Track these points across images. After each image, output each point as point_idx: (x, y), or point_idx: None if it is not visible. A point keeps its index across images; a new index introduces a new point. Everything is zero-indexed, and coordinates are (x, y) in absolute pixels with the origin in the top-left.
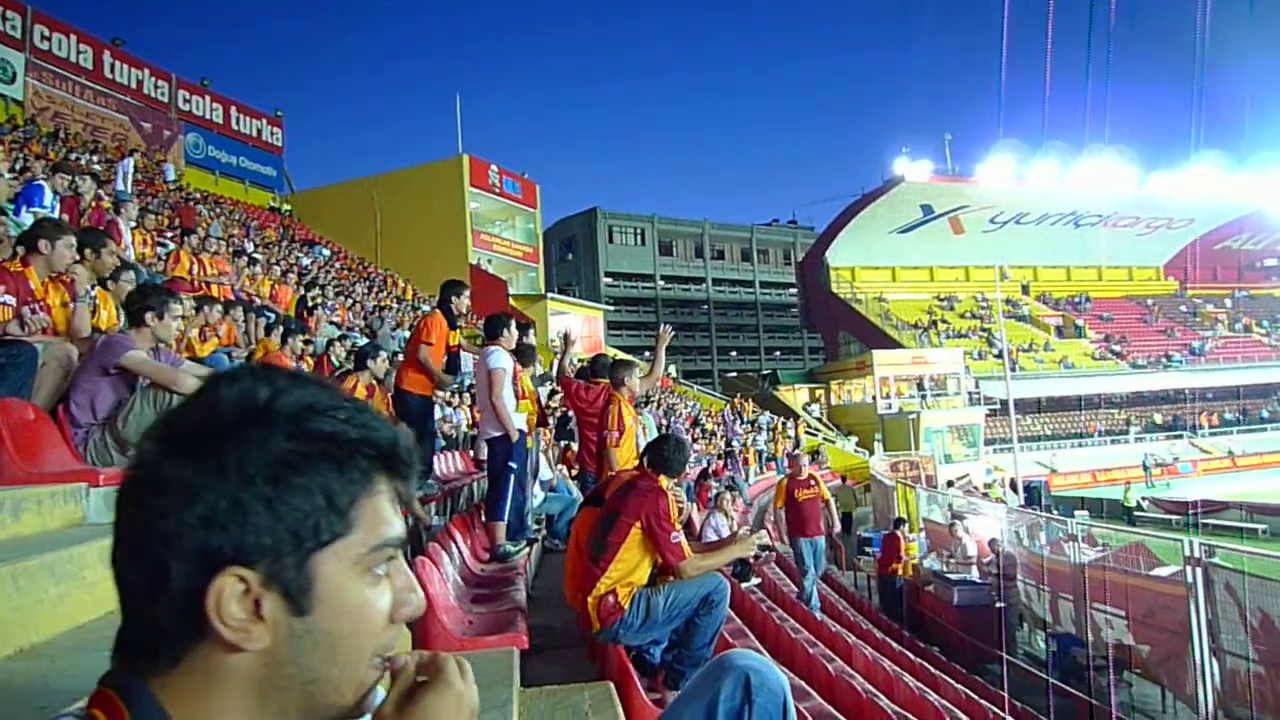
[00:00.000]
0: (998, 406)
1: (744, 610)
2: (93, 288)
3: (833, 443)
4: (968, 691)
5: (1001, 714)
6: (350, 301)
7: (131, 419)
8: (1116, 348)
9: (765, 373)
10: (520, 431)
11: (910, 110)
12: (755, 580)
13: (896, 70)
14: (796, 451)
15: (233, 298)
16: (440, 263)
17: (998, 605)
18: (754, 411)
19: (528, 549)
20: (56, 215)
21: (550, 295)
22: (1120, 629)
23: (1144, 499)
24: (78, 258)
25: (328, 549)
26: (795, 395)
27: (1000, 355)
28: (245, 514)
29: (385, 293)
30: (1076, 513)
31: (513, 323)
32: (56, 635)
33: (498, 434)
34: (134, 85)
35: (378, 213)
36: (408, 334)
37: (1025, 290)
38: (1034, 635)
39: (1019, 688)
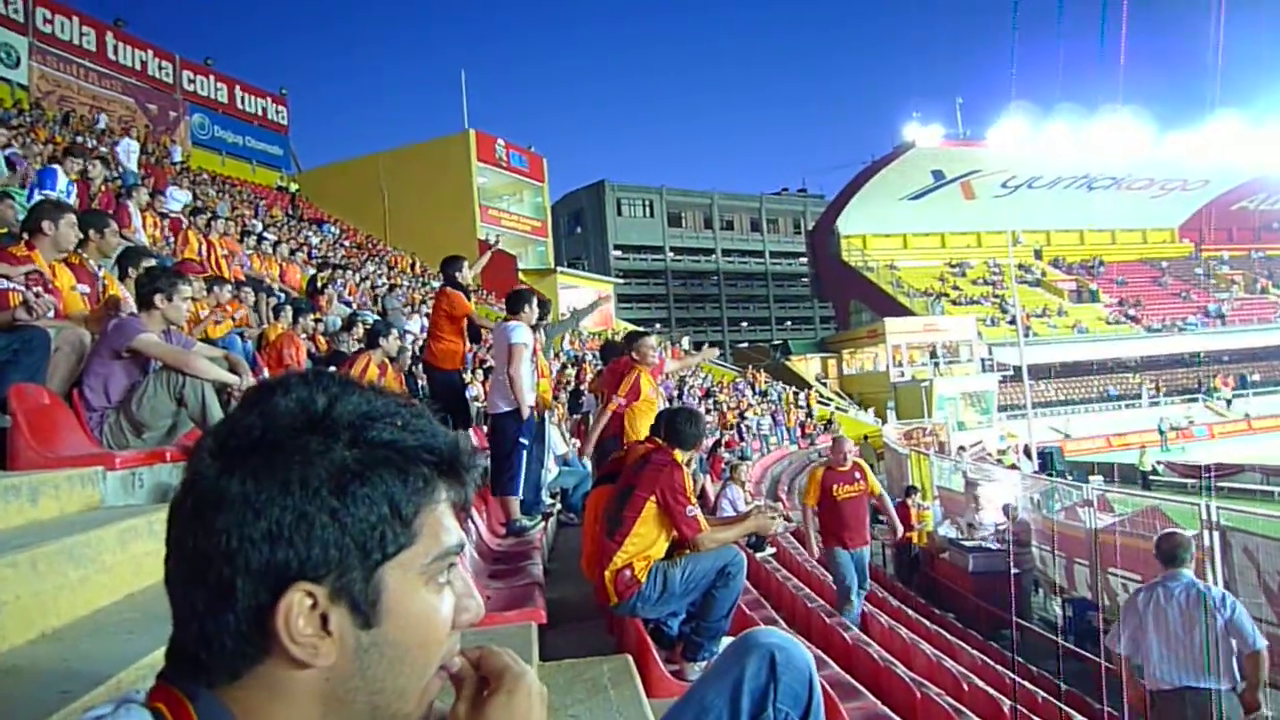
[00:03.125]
0: (1011, 373)
1: (760, 580)
2: (100, 268)
3: (845, 412)
4: (984, 657)
5: (1016, 679)
6: (360, 279)
7: (145, 401)
8: (1131, 312)
9: (776, 343)
10: (530, 408)
11: (921, 74)
12: (770, 550)
13: (907, 33)
14: (839, 434)
15: (243, 278)
16: (449, 238)
17: (1013, 572)
18: (766, 382)
19: (544, 524)
20: (71, 199)
21: (560, 269)
22: None
23: (1159, 463)
24: (81, 236)
25: (394, 560)
26: (807, 365)
27: (1013, 321)
28: (311, 528)
29: (395, 270)
30: (1091, 478)
31: (534, 299)
32: (77, 619)
33: (508, 409)
34: (138, 67)
35: (385, 190)
36: (416, 310)
37: (1038, 255)
38: (1049, 601)
39: (1034, 651)
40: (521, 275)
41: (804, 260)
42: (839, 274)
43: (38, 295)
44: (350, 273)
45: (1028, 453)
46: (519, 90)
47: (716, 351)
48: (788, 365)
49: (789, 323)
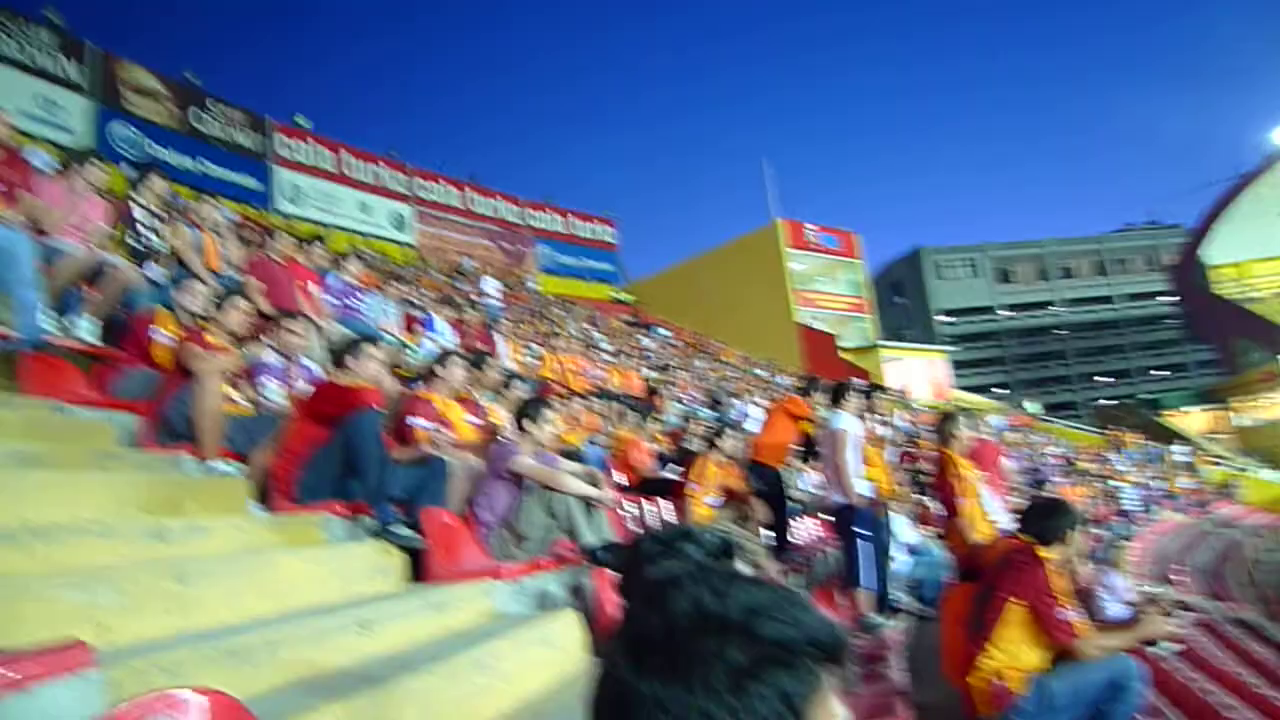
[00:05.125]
0: None
1: (1164, 681)
2: (483, 399)
3: (1246, 472)
4: None
5: None
6: (692, 377)
7: (524, 516)
8: None
9: (1144, 397)
10: (864, 497)
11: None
12: (1173, 647)
13: (1256, 28)
14: None
15: (591, 388)
16: (768, 327)
17: None
18: (1138, 444)
19: (897, 620)
20: (451, 339)
21: (883, 343)
22: None
23: None
24: (468, 375)
25: None
26: (1187, 420)
27: None
28: None
29: (722, 363)
30: None
31: (855, 388)
32: None
33: (844, 501)
34: (491, 213)
35: (705, 290)
36: (744, 402)
37: None
38: None
39: None
40: (842, 353)
41: (1165, 300)
42: (1213, 310)
43: (438, 430)
44: (682, 371)
45: None
46: (823, 169)
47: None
48: (1161, 422)
49: (1156, 372)
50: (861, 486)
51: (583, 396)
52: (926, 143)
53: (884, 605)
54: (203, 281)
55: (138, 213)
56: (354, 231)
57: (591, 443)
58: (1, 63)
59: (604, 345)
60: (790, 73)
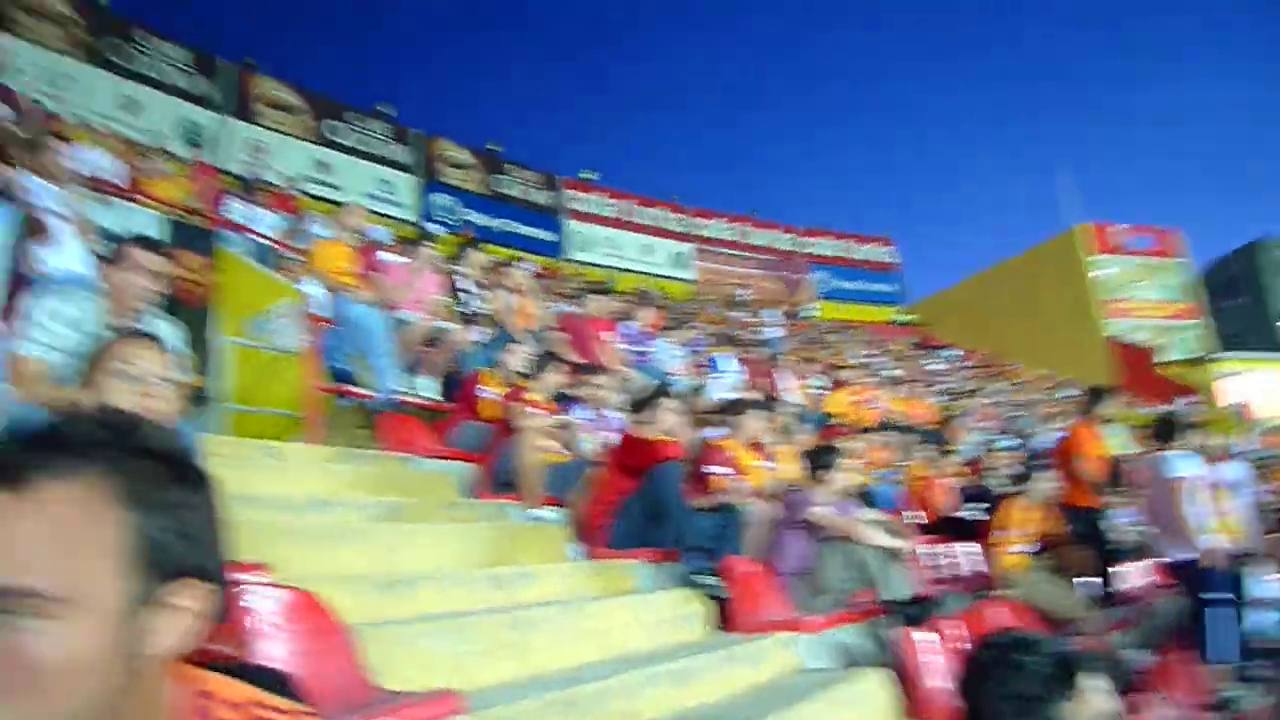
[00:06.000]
0: None
1: None
2: (769, 442)
3: None
4: None
5: None
6: (989, 403)
7: (822, 566)
8: None
9: None
10: (1220, 551)
11: None
12: None
13: None
14: None
15: (878, 419)
16: (1072, 342)
17: None
18: None
19: (1261, 693)
20: (738, 377)
21: (1218, 355)
22: None
23: None
24: (762, 425)
25: None
26: None
27: None
28: None
29: (1022, 386)
30: None
31: (1188, 422)
32: None
33: (1180, 556)
34: (767, 244)
35: (996, 307)
36: (1048, 428)
37: None
38: None
39: None
40: (1163, 369)
41: None
42: None
43: (734, 478)
44: (977, 397)
45: None
46: (1131, 168)
47: None
48: None
49: None
50: (1210, 540)
51: (870, 431)
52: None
53: (1244, 676)
54: (519, 342)
55: (461, 283)
56: (638, 273)
57: (883, 479)
58: (349, 154)
59: (889, 372)
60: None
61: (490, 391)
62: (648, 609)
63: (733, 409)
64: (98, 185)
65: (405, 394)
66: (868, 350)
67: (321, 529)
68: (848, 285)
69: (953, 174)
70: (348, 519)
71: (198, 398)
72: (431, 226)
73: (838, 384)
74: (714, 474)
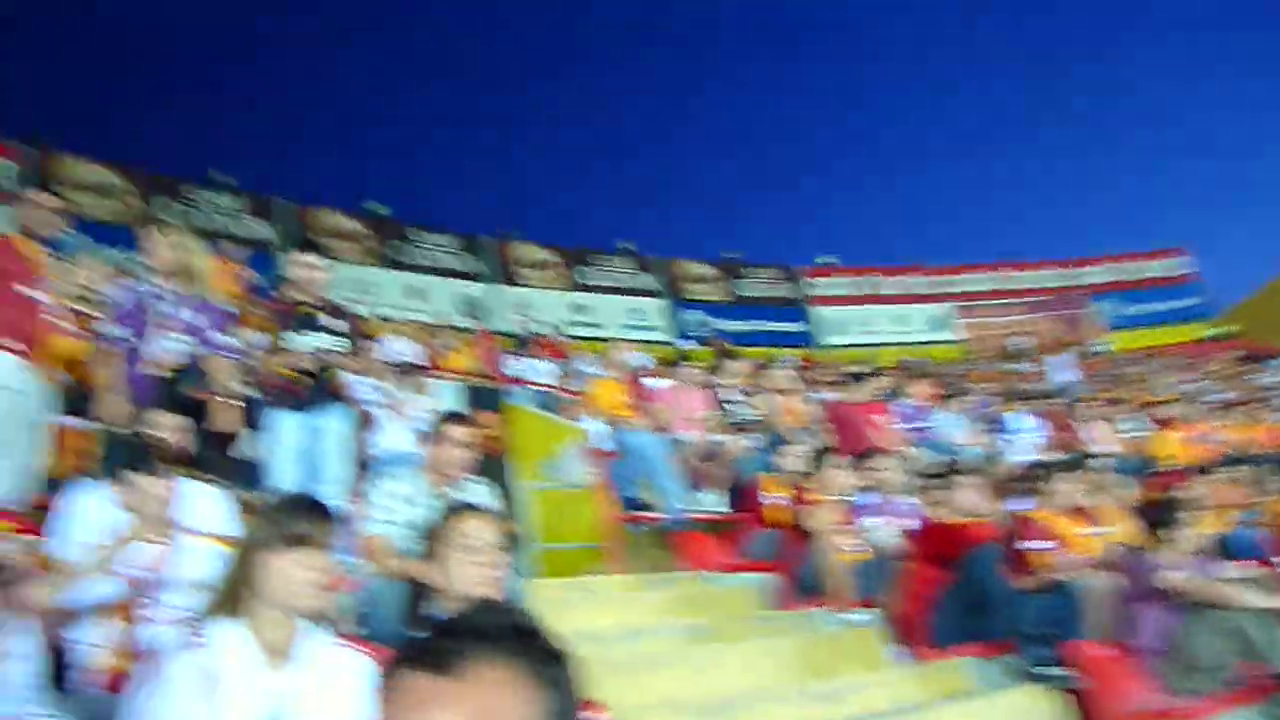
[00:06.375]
0: None
1: None
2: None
3: None
4: None
5: None
6: None
7: (1190, 639)
8: None
9: None
10: None
11: None
12: None
13: None
14: None
15: (1213, 454)
16: None
17: None
18: None
19: None
20: (1037, 433)
21: None
22: None
23: None
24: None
25: None
26: None
27: None
28: None
29: None
30: None
31: None
32: None
33: None
34: (1035, 285)
35: None
36: None
37: None
38: None
39: None
40: None
41: None
42: None
43: (1057, 551)
44: None
45: None
46: None
47: None
48: None
49: None
50: None
51: (1210, 470)
52: None
53: None
54: (792, 442)
55: (724, 393)
56: (897, 344)
57: (1239, 524)
58: (602, 292)
59: (1216, 395)
60: None
61: (773, 497)
62: (995, 712)
63: (1038, 474)
64: (407, 370)
65: (693, 511)
66: (1181, 376)
67: (637, 658)
68: (1139, 309)
69: (1242, 156)
70: (659, 646)
71: (512, 542)
72: (684, 343)
73: (1161, 423)
74: (1034, 549)
